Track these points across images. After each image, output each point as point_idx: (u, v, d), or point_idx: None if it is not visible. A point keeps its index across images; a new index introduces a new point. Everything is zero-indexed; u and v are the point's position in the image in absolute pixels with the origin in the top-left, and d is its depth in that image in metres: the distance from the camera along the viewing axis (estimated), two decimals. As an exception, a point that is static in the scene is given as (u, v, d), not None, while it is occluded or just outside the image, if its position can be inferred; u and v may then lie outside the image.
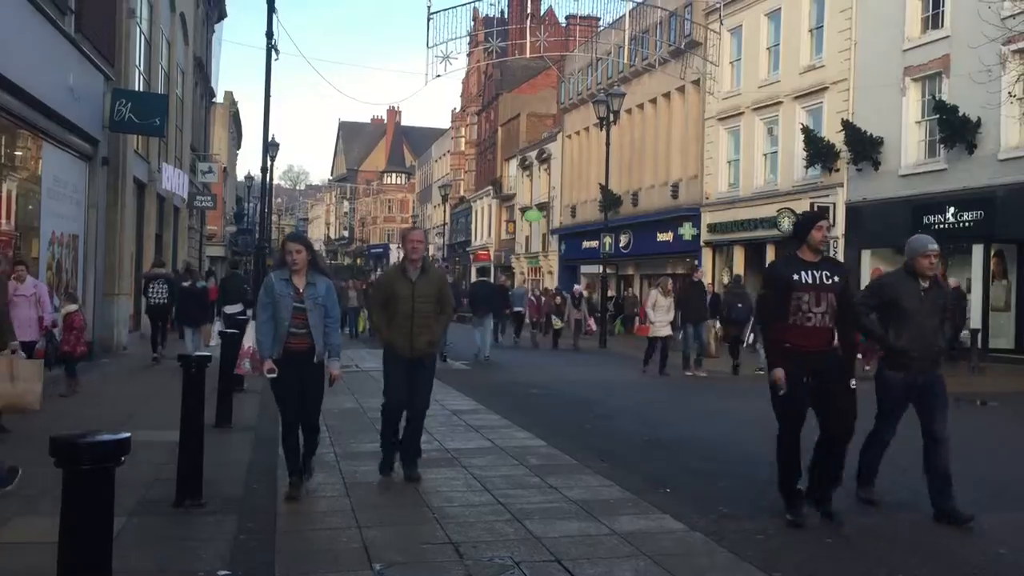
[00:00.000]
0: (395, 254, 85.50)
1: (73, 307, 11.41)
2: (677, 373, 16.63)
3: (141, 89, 20.12)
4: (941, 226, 20.67)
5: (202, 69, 33.20)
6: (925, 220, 20.99)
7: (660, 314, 16.48)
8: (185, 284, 16.24)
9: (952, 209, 20.35)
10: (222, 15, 38.47)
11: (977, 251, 20.09)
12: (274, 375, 6.33)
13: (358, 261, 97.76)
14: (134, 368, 15.46)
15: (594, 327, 25.96)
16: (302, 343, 6.40)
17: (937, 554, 5.48)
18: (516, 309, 26.74)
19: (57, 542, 2.90)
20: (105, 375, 14.14)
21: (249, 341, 6.85)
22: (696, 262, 24.63)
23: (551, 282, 43.07)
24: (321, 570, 4.83)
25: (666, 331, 16.63)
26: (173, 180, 24.36)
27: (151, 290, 16.40)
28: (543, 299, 27.00)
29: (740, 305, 17.39)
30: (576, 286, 26.91)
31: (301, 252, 6.50)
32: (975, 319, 19.61)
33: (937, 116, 20.48)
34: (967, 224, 20.06)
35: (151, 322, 16.83)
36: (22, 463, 7.14)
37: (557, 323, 25.28)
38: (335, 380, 6.60)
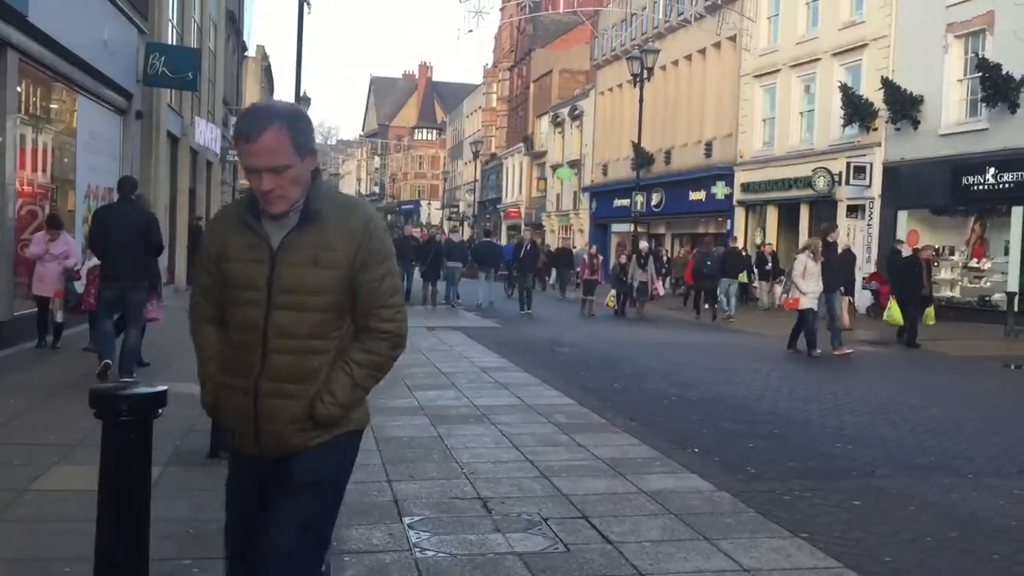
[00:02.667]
0: (426, 211, 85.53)
1: (98, 262, 11.40)
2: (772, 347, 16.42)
3: (174, 43, 20.13)
4: (980, 187, 20.30)
5: (234, 22, 33.15)
6: (964, 181, 20.62)
7: (811, 283, 14.06)
8: None
9: (992, 170, 19.96)
10: (254, -32, 38.31)
11: (1017, 213, 19.72)
12: None
13: (389, 217, 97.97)
14: (169, 320, 15.63)
15: (662, 291, 23.12)
16: None
17: (967, 518, 5.46)
18: (577, 270, 26.33)
19: (97, 491, 2.97)
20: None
21: None
22: (832, 223, 19.10)
23: (581, 240, 42.96)
24: (352, 523, 4.90)
25: (815, 303, 14.27)
26: (206, 134, 24.47)
27: None
28: (597, 259, 23.86)
29: (709, 263, 21.37)
30: (643, 243, 23.90)
31: None
32: (1012, 282, 19.33)
33: (979, 74, 20.03)
34: (1008, 185, 19.68)
35: None
36: (61, 413, 7.30)
37: (610, 299, 22.18)
38: None
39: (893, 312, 16.27)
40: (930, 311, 16.95)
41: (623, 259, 22.19)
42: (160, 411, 3.00)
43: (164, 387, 3.05)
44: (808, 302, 14.09)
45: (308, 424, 2.63)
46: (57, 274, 10.73)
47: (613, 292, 22.25)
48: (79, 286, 10.84)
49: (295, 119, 2.56)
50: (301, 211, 2.60)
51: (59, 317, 11.08)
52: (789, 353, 14.29)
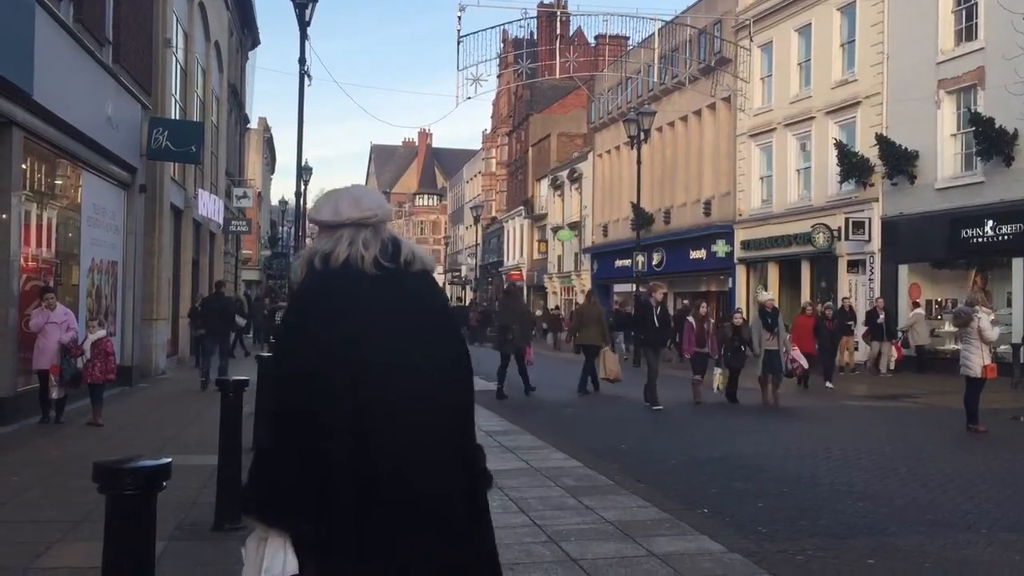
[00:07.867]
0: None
1: (102, 333, 11.39)
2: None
3: (177, 117, 20.43)
4: (980, 240, 20.39)
5: (236, 96, 33.68)
6: (963, 234, 20.72)
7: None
8: None
9: (991, 222, 20.07)
10: (256, 42, 39.03)
11: (1017, 264, 19.77)
12: None
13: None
14: (173, 392, 15.63)
15: (804, 363, 16.12)
16: None
17: (983, 574, 5.37)
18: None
19: (100, 567, 2.94)
20: (145, 398, 14.30)
21: None
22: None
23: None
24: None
25: None
26: (209, 206, 24.69)
27: (276, 316, 23.46)
28: (709, 324, 16.71)
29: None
30: (764, 294, 16.59)
31: None
32: (1016, 333, 19.28)
33: (973, 129, 20.25)
34: (1006, 237, 19.77)
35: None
36: (64, 489, 7.25)
37: (719, 379, 15.58)
38: None
39: None
40: None
41: (737, 320, 15.84)
42: (164, 484, 2.98)
43: (168, 459, 3.03)
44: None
45: None
46: (55, 348, 10.74)
47: (719, 371, 15.71)
48: (82, 360, 10.82)
49: None
50: None
51: (55, 393, 10.92)
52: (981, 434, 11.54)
